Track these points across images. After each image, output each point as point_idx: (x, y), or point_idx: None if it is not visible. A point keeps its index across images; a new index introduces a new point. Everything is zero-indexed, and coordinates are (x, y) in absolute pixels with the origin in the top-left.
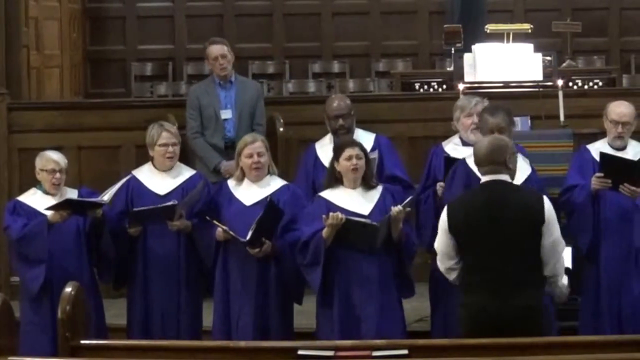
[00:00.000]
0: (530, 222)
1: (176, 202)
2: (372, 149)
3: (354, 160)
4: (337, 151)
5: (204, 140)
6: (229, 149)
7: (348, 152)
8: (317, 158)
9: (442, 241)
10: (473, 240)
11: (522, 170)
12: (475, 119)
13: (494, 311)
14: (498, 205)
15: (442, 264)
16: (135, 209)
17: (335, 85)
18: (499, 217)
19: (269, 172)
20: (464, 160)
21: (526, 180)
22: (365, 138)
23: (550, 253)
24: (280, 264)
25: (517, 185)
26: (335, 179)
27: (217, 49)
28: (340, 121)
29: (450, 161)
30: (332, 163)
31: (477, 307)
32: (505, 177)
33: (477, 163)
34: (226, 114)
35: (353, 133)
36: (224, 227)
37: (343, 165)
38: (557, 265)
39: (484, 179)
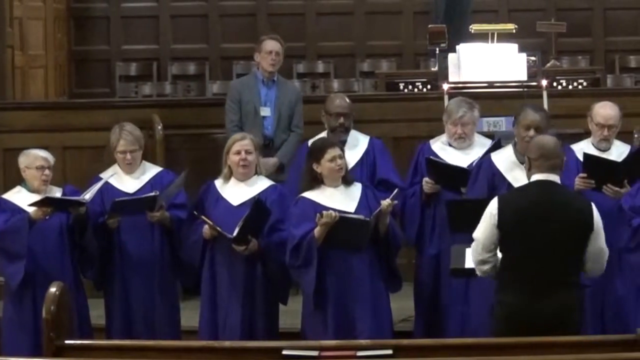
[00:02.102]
0: (578, 227)
1: (157, 192)
2: (366, 151)
3: (338, 161)
4: (318, 153)
5: None
6: (265, 147)
7: (331, 153)
8: None
9: (485, 233)
10: (520, 237)
11: None
12: (459, 129)
13: (530, 310)
14: (550, 206)
15: (478, 254)
16: (117, 199)
17: (320, 86)
18: (549, 218)
19: (256, 172)
20: (489, 157)
21: None
22: (360, 140)
23: (595, 258)
24: (266, 263)
25: (568, 188)
26: (315, 181)
27: (273, 44)
28: (341, 119)
29: (431, 163)
30: (310, 165)
31: (514, 305)
32: (557, 178)
33: (536, 157)
34: (265, 112)
35: (349, 133)
36: (211, 223)
37: (327, 166)
38: (597, 267)
39: (538, 176)
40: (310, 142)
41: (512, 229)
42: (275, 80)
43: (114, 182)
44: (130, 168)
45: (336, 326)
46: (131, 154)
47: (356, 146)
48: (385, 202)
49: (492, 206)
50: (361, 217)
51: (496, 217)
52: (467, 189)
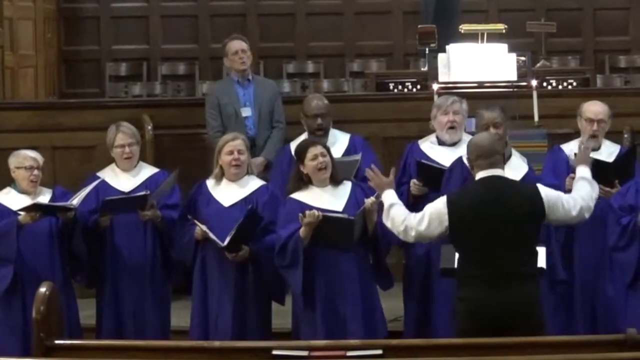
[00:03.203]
0: (530, 215)
1: (148, 192)
2: (347, 149)
3: (320, 159)
4: (300, 154)
5: None
6: (251, 147)
7: (312, 151)
8: (292, 157)
9: (432, 231)
10: (473, 234)
11: (519, 169)
12: (451, 117)
13: (493, 305)
14: (500, 200)
15: (410, 234)
16: (108, 198)
17: (310, 86)
18: (500, 211)
19: (248, 172)
20: (460, 159)
21: (522, 178)
22: (340, 138)
23: (572, 216)
24: (258, 265)
25: (514, 180)
26: (302, 182)
27: (237, 44)
28: (319, 120)
29: (423, 166)
30: (297, 167)
31: (476, 300)
32: (501, 172)
33: (474, 158)
34: (246, 112)
35: (328, 133)
36: (204, 228)
37: (310, 166)
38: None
39: (482, 174)
40: (291, 144)
41: (465, 228)
42: (250, 79)
43: (109, 180)
44: (129, 163)
45: (327, 326)
46: (130, 147)
47: (336, 144)
48: (369, 201)
49: (441, 205)
50: (345, 215)
51: (447, 218)
52: (441, 189)
